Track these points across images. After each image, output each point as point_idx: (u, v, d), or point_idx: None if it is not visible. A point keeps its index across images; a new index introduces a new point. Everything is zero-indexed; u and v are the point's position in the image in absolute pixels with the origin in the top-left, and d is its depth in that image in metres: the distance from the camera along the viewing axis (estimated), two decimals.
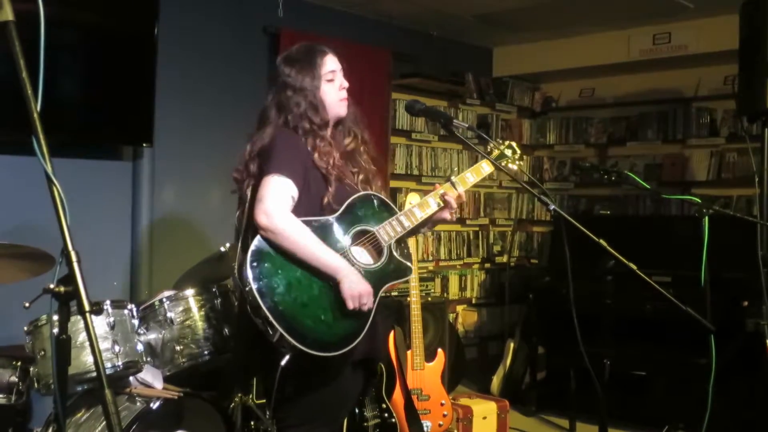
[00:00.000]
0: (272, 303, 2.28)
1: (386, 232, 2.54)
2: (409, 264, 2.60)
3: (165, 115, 4.54)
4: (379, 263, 2.52)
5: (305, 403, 2.52)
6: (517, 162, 2.90)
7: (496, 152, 2.89)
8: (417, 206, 2.64)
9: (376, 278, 2.48)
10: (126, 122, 4.39)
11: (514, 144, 2.94)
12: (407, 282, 4.26)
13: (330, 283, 2.38)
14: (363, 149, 2.71)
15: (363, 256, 2.52)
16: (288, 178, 2.39)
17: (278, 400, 2.52)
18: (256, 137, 2.58)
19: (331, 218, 2.47)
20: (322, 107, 2.55)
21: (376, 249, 2.54)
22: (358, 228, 2.52)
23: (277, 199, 2.36)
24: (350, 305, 2.37)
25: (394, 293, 4.95)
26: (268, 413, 3.47)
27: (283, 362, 2.35)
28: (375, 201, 2.60)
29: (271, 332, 2.29)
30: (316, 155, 2.49)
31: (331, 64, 2.59)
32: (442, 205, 2.67)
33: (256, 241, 2.34)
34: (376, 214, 2.57)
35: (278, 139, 2.49)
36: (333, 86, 2.58)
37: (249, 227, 2.44)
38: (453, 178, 2.71)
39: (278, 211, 2.34)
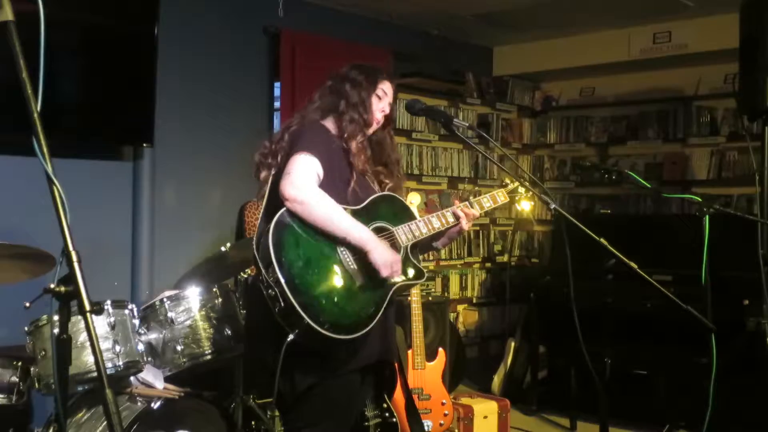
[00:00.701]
0: (289, 275, 2.28)
1: (404, 233, 2.59)
2: (423, 269, 2.63)
3: (165, 115, 4.54)
4: None
5: (317, 403, 2.51)
6: (528, 202, 2.99)
7: (511, 186, 2.97)
8: (435, 216, 2.70)
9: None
10: (126, 122, 4.39)
11: (527, 184, 3.01)
12: None
13: (348, 271, 2.40)
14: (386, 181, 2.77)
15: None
16: (315, 157, 2.42)
17: (290, 400, 2.52)
18: (292, 120, 2.65)
19: (355, 208, 2.51)
20: (371, 111, 2.63)
21: (392, 248, 2.56)
22: (378, 224, 2.56)
23: (305, 173, 2.39)
24: (384, 273, 2.41)
25: None
26: (275, 416, 3.48)
27: (289, 339, 2.31)
28: (396, 203, 2.67)
29: (282, 303, 2.27)
30: (352, 144, 2.56)
31: (387, 87, 2.69)
32: (456, 221, 2.73)
33: (281, 214, 2.36)
34: (397, 215, 2.63)
35: (309, 126, 2.57)
36: (379, 103, 2.67)
37: (271, 202, 2.48)
38: (471, 199, 2.82)
39: (306, 183, 2.37)
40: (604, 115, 6.85)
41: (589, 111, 6.97)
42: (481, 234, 6.86)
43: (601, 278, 4.47)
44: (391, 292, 2.49)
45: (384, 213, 2.60)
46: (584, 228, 2.43)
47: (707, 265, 3.60)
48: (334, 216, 2.39)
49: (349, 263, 2.42)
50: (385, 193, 2.67)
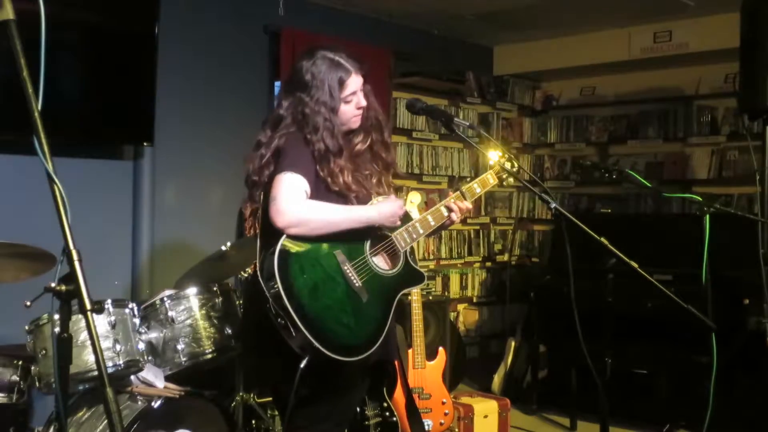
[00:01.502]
0: (299, 305, 2.25)
1: (403, 238, 2.56)
2: (422, 271, 2.62)
3: (166, 114, 4.54)
4: (396, 269, 2.54)
5: (317, 405, 2.51)
6: (516, 177, 2.94)
7: (497, 167, 2.92)
8: (430, 214, 2.68)
9: (394, 283, 2.51)
10: (127, 121, 4.39)
11: (512, 157, 2.97)
12: None
13: (353, 290, 2.37)
14: (375, 148, 2.67)
15: (380, 262, 2.53)
16: (300, 174, 2.36)
17: (291, 402, 2.51)
18: (270, 140, 2.52)
19: None
20: (338, 131, 2.50)
21: (391, 254, 2.56)
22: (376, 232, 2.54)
23: (290, 194, 2.32)
24: (398, 223, 2.51)
25: None
26: (275, 415, 3.46)
27: (302, 365, 2.29)
28: None
29: (293, 332, 2.25)
30: (329, 180, 2.45)
31: (352, 85, 2.53)
32: (449, 214, 2.71)
33: (282, 242, 2.31)
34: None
35: (291, 140, 2.47)
36: (350, 106, 2.56)
37: (267, 226, 2.41)
38: (463, 188, 2.77)
39: (292, 204, 2.30)
40: (604, 115, 6.85)
41: (589, 110, 6.97)
42: (481, 233, 6.87)
43: (601, 277, 4.47)
44: (396, 300, 2.49)
45: None
46: (585, 227, 2.43)
47: (708, 264, 3.60)
48: (333, 216, 2.37)
49: (355, 282, 2.40)
50: (379, 198, 2.59)
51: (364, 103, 2.59)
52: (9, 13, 1.61)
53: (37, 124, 1.58)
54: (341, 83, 2.50)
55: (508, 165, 2.92)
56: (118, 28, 4.27)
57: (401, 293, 2.53)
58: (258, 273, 2.36)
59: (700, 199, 3.93)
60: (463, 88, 6.59)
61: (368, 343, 2.38)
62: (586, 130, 6.92)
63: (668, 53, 6.05)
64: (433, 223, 2.67)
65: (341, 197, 2.48)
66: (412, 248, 2.67)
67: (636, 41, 6.20)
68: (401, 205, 2.52)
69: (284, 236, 2.31)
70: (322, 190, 2.44)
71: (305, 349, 2.27)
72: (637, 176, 3.63)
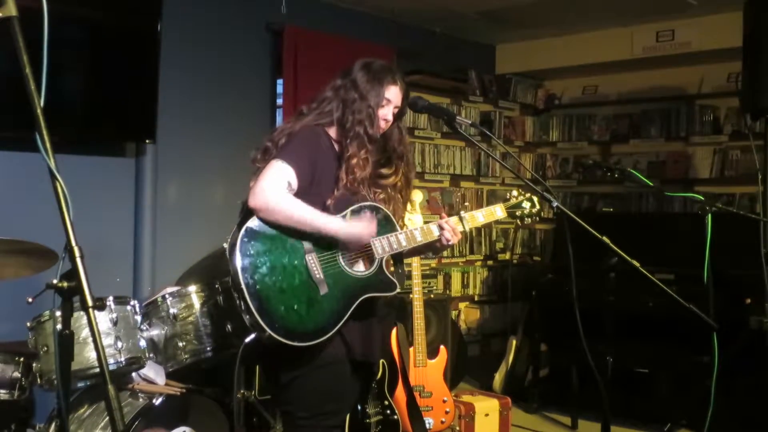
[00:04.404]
0: (251, 280, 2.33)
1: (382, 245, 2.57)
2: (396, 281, 2.61)
3: (168, 112, 4.54)
4: (368, 272, 2.56)
5: (304, 392, 2.53)
6: (534, 218, 2.94)
7: (513, 200, 2.93)
8: (419, 230, 2.67)
9: (360, 285, 2.52)
10: (129, 118, 4.39)
11: (535, 199, 2.94)
12: (410, 279, 4.27)
13: (313, 280, 2.42)
14: (401, 188, 2.74)
15: (356, 263, 2.55)
16: (290, 166, 2.44)
17: (275, 388, 2.58)
18: (302, 117, 2.64)
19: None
20: (377, 124, 2.61)
21: (370, 259, 2.57)
22: None
23: (273, 180, 2.41)
24: (363, 241, 2.50)
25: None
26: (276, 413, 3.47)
27: (247, 339, 2.41)
28: (380, 214, 2.63)
29: (242, 307, 2.34)
30: (353, 161, 2.54)
31: (394, 93, 2.65)
32: (440, 233, 2.69)
33: (253, 221, 2.40)
34: (378, 225, 2.58)
35: (302, 132, 2.56)
36: (382, 110, 2.64)
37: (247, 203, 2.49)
38: (463, 213, 2.76)
39: (270, 189, 2.38)
40: (606, 114, 6.85)
41: (591, 109, 6.96)
42: (483, 232, 6.86)
43: (603, 276, 4.47)
44: (356, 303, 2.50)
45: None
46: (586, 226, 2.43)
47: (709, 263, 3.59)
48: (301, 215, 2.41)
49: (316, 272, 2.44)
50: (370, 203, 2.61)
51: (390, 118, 2.68)
52: (12, 10, 1.61)
53: (40, 121, 1.58)
54: (387, 85, 2.63)
55: (527, 204, 2.92)
56: (121, 25, 4.27)
57: (366, 297, 2.53)
58: (227, 247, 2.43)
59: (702, 198, 3.91)
60: (465, 86, 6.58)
61: (317, 333, 2.41)
62: (588, 129, 6.92)
63: (671, 52, 6.04)
64: (419, 239, 2.65)
65: (335, 185, 2.53)
66: (401, 262, 2.68)
67: (638, 40, 6.19)
68: (371, 233, 2.52)
69: (255, 216, 2.40)
70: (314, 188, 2.49)
71: (254, 327, 2.36)
72: (639, 175, 3.62)
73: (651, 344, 4.90)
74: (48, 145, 1.58)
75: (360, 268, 2.56)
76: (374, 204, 2.63)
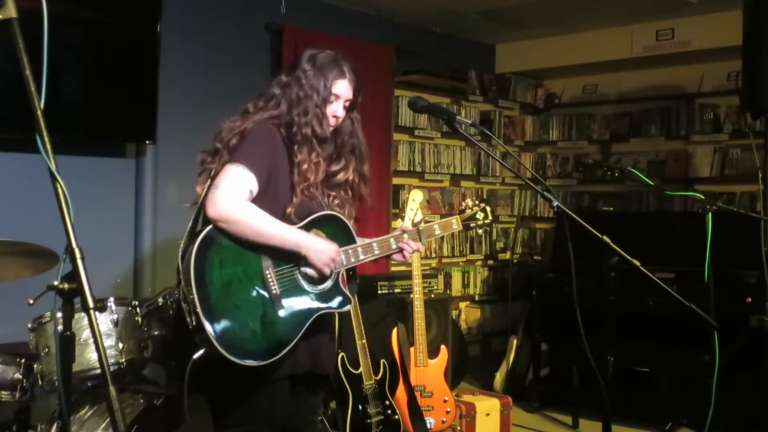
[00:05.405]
0: (205, 294, 2.21)
1: (341, 259, 2.47)
2: (350, 297, 2.53)
3: (168, 112, 4.54)
4: (324, 286, 2.46)
5: (243, 406, 2.46)
6: (484, 229, 2.97)
7: (469, 212, 2.93)
8: (376, 242, 2.60)
9: (314, 300, 2.43)
10: (129, 119, 4.40)
11: (488, 209, 2.98)
12: (410, 279, 4.28)
13: (269, 296, 2.32)
14: (354, 184, 2.64)
15: (311, 277, 2.44)
16: (250, 171, 2.33)
17: (223, 402, 2.48)
18: (250, 115, 2.54)
19: (295, 228, 2.41)
20: (326, 122, 2.51)
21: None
22: None
23: (233, 188, 2.29)
24: (326, 272, 2.39)
25: (397, 290, 4.95)
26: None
27: (195, 356, 2.23)
28: (339, 224, 2.55)
29: (193, 321, 2.21)
30: (304, 166, 2.44)
31: (340, 88, 2.53)
32: (399, 249, 2.65)
33: (208, 230, 2.28)
34: (336, 237, 2.50)
35: (256, 131, 2.45)
36: (329, 107, 2.54)
37: (202, 212, 2.38)
38: (421, 227, 2.73)
39: (231, 200, 2.27)
40: (606, 113, 6.85)
41: (591, 108, 6.96)
42: (483, 232, 6.85)
43: (603, 276, 4.46)
44: (311, 320, 2.39)
45: (324, 232, 2.48)
46: (587, 225, 2.43)
47: (710, 262, 3.60)
48: (264, 227, 2.30)
49: (273, 288, 2.33)
50: (328, 212, 2.53)
51: (340, 114, 2.56)
52: (12, 11, 1.61)
53: (40, 122, 1.58)
54: (334, 80, 2.51)
55: (480, 215, 2.93)
56: (121, 26, 4.27)
57: (321, 312, 2.43)
58: (180, 254, 2.32)
59: (703, 197, 3.92)
60: (465, 86, 6.58)
61: (267, 353, 2.28)
62: (588, 128, 6.92)
63: (671, 51, 6.04)
64: (377, 252, 2.59)
65: (292, 191, 2.43)
66: (354, 270, 2.60)
67: (638, 39, 6.19)
68: (338, 252, 2.43)
69: (211, 225, 2.29)
70: (270, 190, 2.40)
71: (203, 342, 2.21)
72: (639, 174, 3.63)
73: (652, 343, 4.90)
74: (48, 146, 1.58)
75: (315, 283, 2.44)
76: (332, 213, 2.54)
